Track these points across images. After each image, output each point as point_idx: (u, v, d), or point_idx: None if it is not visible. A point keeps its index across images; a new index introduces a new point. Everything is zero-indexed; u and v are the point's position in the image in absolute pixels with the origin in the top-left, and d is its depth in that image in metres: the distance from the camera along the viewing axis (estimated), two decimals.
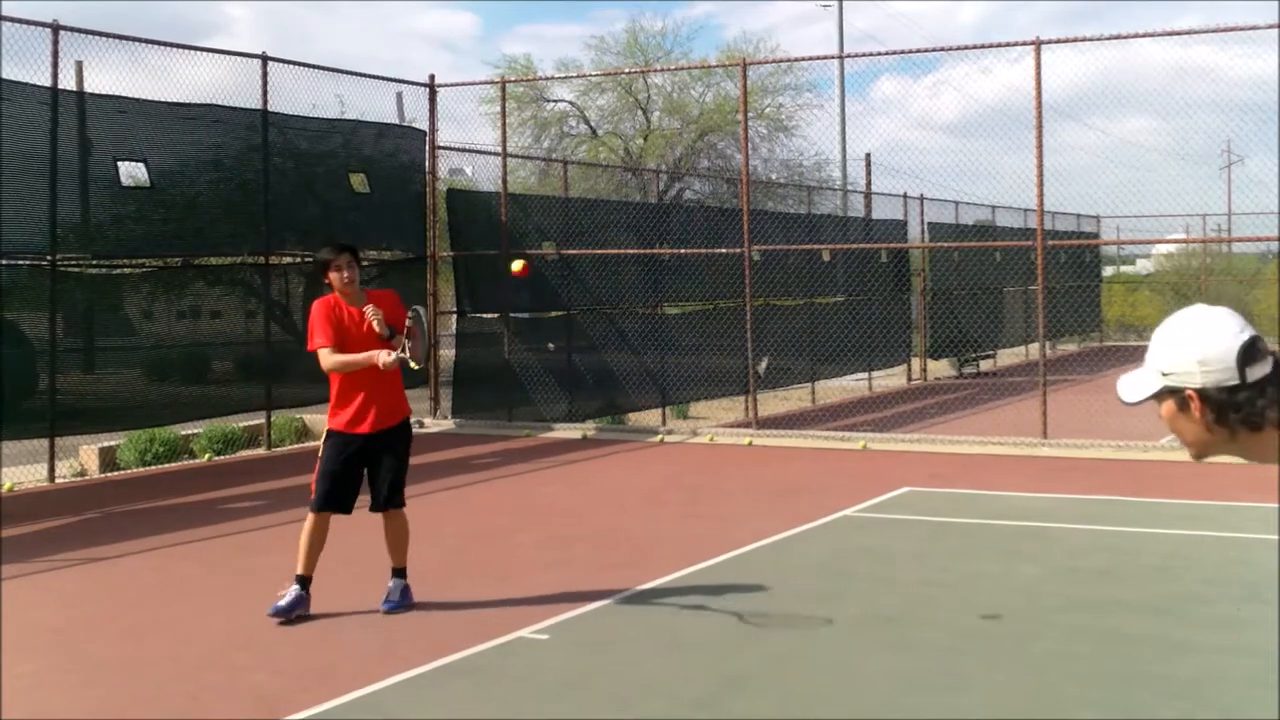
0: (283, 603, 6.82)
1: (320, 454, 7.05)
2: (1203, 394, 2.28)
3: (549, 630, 6.56)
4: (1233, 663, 5.88)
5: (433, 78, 16.72)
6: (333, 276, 7.05)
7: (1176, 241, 31.87)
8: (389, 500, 7.11)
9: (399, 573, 7.15)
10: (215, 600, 7.40)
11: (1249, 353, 2.26)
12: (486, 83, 20.55)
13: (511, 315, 16.47)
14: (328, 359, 6.93)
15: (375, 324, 6.92)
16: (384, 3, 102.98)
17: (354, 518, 7.16)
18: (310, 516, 6.96)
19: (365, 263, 16.53)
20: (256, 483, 11.99)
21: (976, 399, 19.04)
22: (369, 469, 7.08)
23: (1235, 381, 2.25)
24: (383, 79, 16.37)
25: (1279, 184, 32.29)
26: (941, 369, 24.33)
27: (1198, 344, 2.28)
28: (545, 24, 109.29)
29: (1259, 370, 2.26)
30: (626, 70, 31.96)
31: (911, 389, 21.53)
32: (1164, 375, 2.33)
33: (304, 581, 6.91)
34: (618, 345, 17.08)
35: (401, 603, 7.05)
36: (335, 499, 6.95)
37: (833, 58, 27.96)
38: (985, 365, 25.37)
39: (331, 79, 15.39)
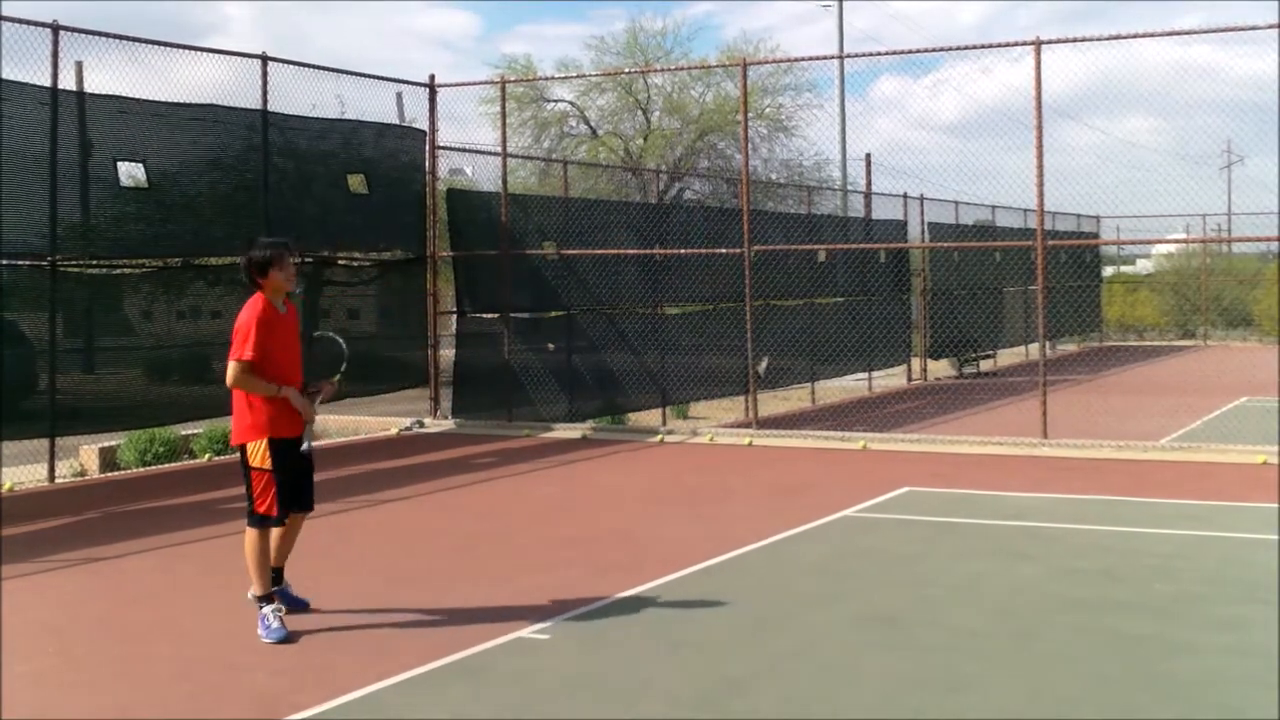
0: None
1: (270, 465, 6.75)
2: None
3: (549, 630, 6.56)
4: (1233, 663, 5.88)
5: (433, 78, 16.72)
6: (282, 275, 6.76)
7: (1176, 241, 31.88)
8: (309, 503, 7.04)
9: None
10: (215, 600, 7.39)
11: None
12: (486, 83, 20.57)
13: (511, 315, 16.47)
14: (247, 374, 6.70)
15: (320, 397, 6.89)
16: (383, 3, 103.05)
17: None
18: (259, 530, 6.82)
19: (366, 263, 16.57)
20: None
21: (976, 399, 19.04)
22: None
23: None
24: (383, 79, 16.37)
25: (1279, 184, 32.28)
26: (941, 369, 24.34)
27: None
28: (545, 24, 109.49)
29: None
30: (626, 70, 31.98)
31: (911, 389, 21.54)
32: None
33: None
34: (618, 345, 17.08)
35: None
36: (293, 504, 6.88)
37: (833, 58, 27.97)
38: (985, 365, 25.39)
39: (331, 79, 15.38)
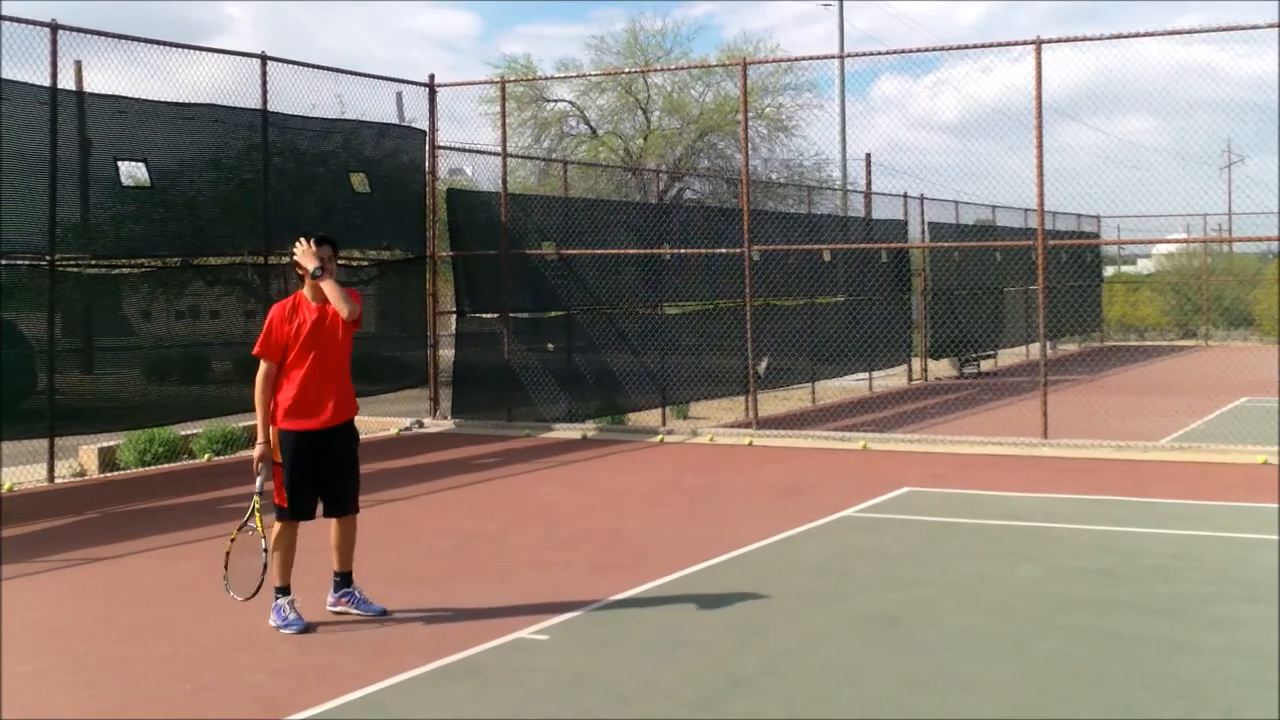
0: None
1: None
2: None
3: (549, 630, 6.55)
4: (1233, 663, 5.88)
5: (432, 78, 16.72)
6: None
7: (1177, 241, 31.89)
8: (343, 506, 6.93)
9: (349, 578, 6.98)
10: (215, 600, 7.38)
11: None
12: (486, 82, 20.58)
13: (511, 315, 16.47)
14: (261, 373, 6.77)
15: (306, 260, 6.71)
16: (383, 2, 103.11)
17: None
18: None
19: (365, 263, 16.56)
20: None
21: (977, 399, 19.03)
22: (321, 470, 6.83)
23: None
24: (383, 79, 16.38)
25: (1279, 184, 32.31)
26: (942, 369, 24.33)
27: None
28: (545, 24, 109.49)
29: None
30: (626, 70, 31.97)
31: (912, 389, 21.52)
32: None
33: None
34: (618, 345, 17.07)
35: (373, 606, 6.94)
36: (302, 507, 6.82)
37: (833, 57, 27.96)
38: (986, 365, 25.38)
39: (331, 79, 15.38)
